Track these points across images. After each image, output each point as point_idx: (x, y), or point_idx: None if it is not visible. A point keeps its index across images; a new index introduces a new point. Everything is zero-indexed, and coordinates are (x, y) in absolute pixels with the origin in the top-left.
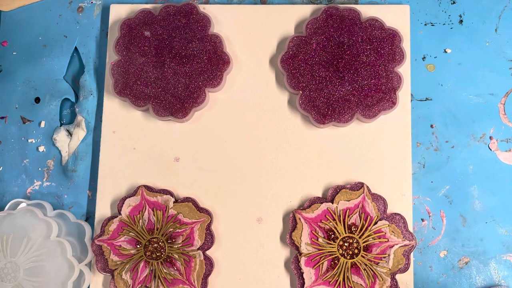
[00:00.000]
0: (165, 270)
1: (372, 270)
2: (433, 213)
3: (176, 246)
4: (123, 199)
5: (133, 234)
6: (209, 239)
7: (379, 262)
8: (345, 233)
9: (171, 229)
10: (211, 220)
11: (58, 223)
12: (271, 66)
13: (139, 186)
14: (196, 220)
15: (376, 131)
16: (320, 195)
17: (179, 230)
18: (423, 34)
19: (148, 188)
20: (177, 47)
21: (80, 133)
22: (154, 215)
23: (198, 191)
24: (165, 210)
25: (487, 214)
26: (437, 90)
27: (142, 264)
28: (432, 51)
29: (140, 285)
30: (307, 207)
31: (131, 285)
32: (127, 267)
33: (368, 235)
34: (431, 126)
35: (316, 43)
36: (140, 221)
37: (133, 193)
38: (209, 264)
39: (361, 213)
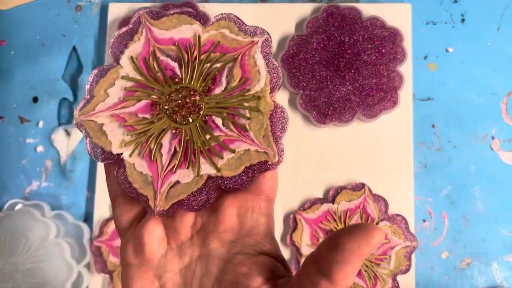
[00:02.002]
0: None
1: (373, 272)
2: (435, 214)
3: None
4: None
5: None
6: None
7: (380, 264)
8: None
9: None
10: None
11: (56, 224)
12: None
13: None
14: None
15: (377, 131)
16: (320, 195)
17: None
18: (424, 33)
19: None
20: None
21: (78, 133)
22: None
23: None
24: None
25: (489, 214)
26: (439, 90)
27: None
28: (434, 50)
29: None
30: (308, 208)
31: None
32: None
33: None
34: (433, 126)
35: (317, 42)
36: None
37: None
38: None
39: (362, 214)
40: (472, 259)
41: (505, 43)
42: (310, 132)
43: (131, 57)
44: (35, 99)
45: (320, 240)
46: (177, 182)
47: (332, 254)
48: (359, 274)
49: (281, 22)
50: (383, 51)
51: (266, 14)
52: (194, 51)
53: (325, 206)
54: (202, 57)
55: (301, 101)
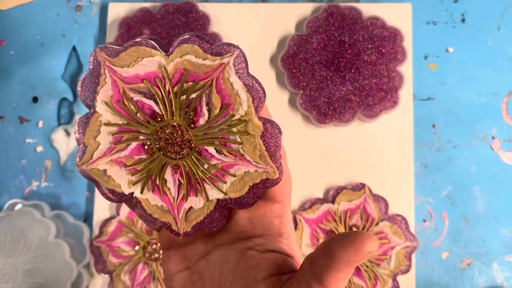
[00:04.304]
0: None
1: (373, 272)
2: (435, 214)
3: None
4: None
5: (132, 235)
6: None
7: (380, 264)
8: None
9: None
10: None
11: (56, 224)
12: (271, 65)
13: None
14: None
15: (377, 131)
16: (321, 196)
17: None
18: (425, 32)
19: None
20: None
21: None
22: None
23: None
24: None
25: (489, 214)
26: (439, 90)
27: (141, 266)
28: (434, 50)
29: (139, 287)
30: (308, 208)
31: (130, 287)
32: (125, 268)
33: None
34: (433, 126)
35: (317, 42)
36: (139, 221)
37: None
38: None
39: (362, 214)
40: (473, 259)
41: (505, 43)
42: (310, 132)
43: (106, 103)
44: (35, 99)
45: (320, 241)
46: (191, 207)
47: (324, 259)
48: (359, 274)
49: (281, 22)
50: (383, 51)
51: (266, 14)
52: (164, 84)
53: (325, 206)
54: (175, 89)
55: (301, 101)
